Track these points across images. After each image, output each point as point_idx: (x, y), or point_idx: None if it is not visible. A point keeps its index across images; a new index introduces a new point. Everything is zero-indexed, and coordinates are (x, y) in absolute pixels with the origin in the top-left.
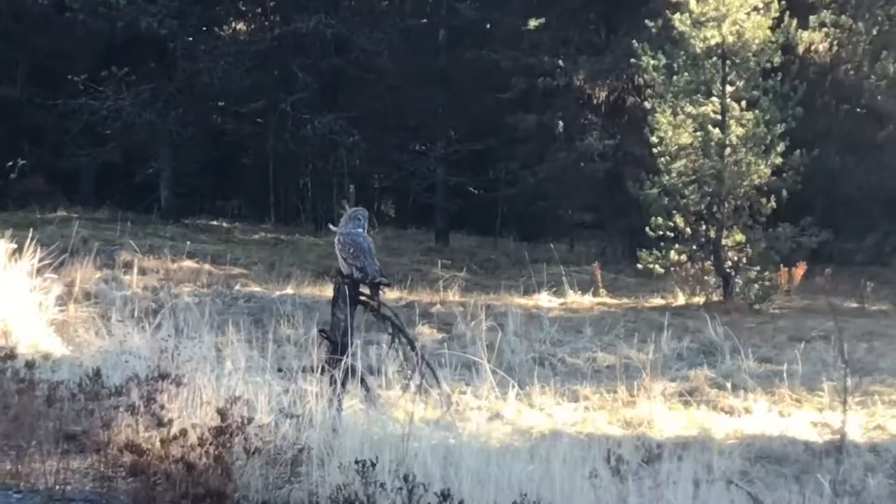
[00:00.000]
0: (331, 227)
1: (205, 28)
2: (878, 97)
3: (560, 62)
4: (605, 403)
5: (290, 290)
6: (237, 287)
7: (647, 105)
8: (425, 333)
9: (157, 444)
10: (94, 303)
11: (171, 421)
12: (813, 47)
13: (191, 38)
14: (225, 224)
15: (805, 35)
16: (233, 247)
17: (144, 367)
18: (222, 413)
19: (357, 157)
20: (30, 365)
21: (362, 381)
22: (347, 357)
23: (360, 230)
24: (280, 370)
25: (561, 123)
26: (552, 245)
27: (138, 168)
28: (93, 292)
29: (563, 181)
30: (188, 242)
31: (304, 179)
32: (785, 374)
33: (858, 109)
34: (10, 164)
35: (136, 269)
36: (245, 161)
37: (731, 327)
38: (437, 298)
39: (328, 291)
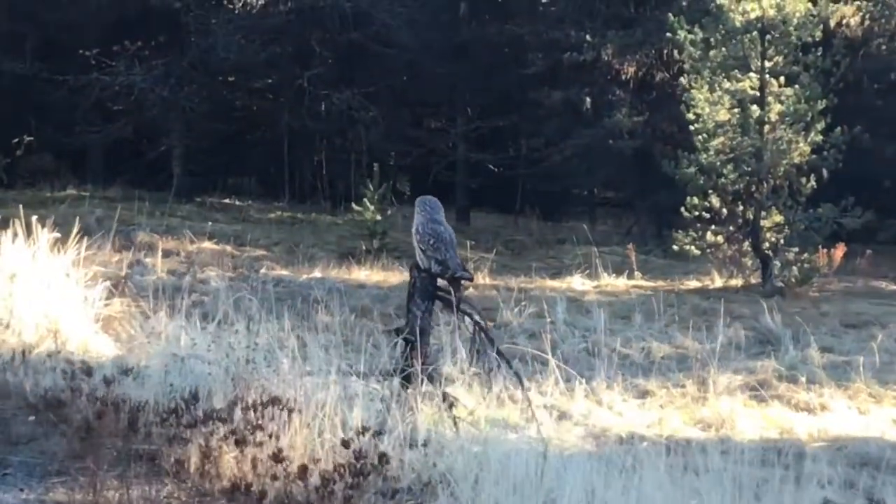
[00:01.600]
0: (354, 206)
1: (218, 1)
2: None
3: (587, 36)
4: (674, 399)
5: (317, 274)
6: (263, 270)
7: (683, 80)
8: (468, 322)
9: (273, 482)
10: (136, 292)
11: (281, 453)
12: (845, 21)
13: (204, 12)
14: (238, 202)
15: (838, 8)
16: (250, 227)
17: (220, 376)
18: (352, 448)
19: (374, 133)
20: (108, 381)
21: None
22: (426, 359)
23: (440, 219)
24: (365, 376)
25: (588, 100)
26: (585, 226)
27: (150, 145)
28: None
29: (589, 159)
30: (210, 223)
31: (320, 157)
32: (860, 367)
33: (877, 86)
34: (17, 140)
35: (159, 253)
36: (259, 138)
37: (776, 313)
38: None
39: (356, 274)
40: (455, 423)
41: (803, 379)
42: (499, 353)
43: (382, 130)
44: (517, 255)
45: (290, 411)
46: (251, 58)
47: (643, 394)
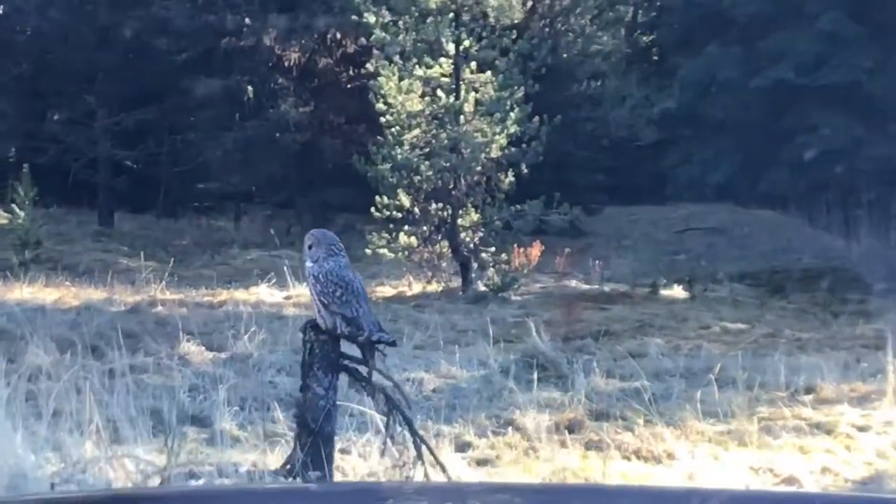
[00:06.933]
0: (2, 212)
1: None
2: (564, 55)
3: (247, 20)
4: (501, 452)
5: None
6: None
7: (370, 66)
8: (194, 353)
9: None
10: None
11: None
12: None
13: None
14: None
15: None
16: None
17: None
18: None
19: None
20: None
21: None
22: (332, 453)
23: (345, 262)
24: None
25: (250, 88)
26: (272, 231)
27: None
28: None
29: (249, 153)
30: None
31: None
32: (662, 396)
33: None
34: None
35: None
36: None
37: (491, 324)
38: (148, 297)
39: (18, 293)
40: None
41: (617, 416)
42: (412, 430)
43: (9, 125)
44: (180, 261)
45: None
46: None
47: (462, 445)
